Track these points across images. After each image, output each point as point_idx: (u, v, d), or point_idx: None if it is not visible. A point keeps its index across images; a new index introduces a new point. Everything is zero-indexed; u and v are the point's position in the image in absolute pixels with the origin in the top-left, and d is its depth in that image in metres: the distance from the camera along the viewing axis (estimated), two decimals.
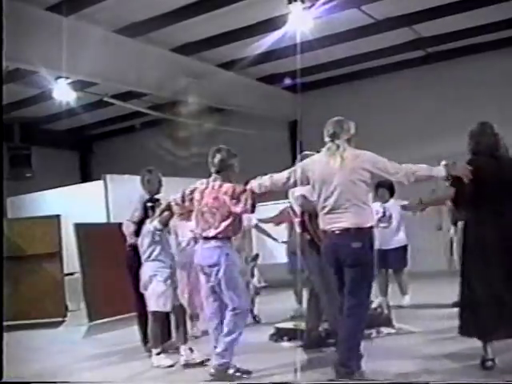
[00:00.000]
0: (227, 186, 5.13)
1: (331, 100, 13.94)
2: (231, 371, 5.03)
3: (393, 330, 6.42)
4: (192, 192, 5.34)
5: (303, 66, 11.44)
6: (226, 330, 5.04)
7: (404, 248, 8.23)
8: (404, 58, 13.04)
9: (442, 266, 8.60)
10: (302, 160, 6.11)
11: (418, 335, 6.41)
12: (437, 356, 5.29)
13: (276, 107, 14.14)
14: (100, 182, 11.28)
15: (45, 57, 9.04)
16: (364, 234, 4.55)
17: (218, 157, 5.24)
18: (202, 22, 10.15)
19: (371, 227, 4.62)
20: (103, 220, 10.91)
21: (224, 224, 5.09)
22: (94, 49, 9.67)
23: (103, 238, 9.52)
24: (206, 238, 5.16)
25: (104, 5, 9.26)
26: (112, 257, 8.80)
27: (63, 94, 12.17)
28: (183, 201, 5.42)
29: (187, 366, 5.75)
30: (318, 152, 4.94)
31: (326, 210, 4.65)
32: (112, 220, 10.71)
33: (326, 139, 4.76)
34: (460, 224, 8.02)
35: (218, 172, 5.24)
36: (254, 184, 5.01)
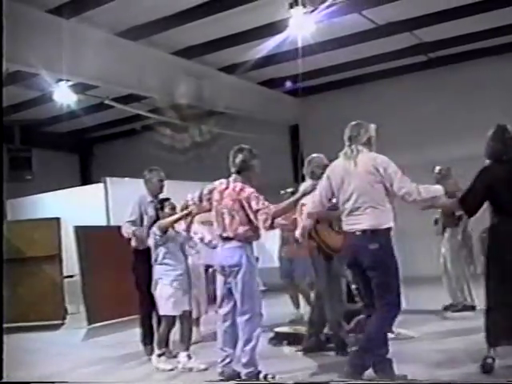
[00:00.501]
0: (249, 192, 5.01)
1: (332, 104, 13.97)
2: (261, 376, 5.00)
3: (392, 335, 6.39)
4: (211, 192, 5.26)
5: (304, 71, 11.47)
6: (243, 339, 4.99)
7: None
8: (405, 62, 13.05)
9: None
10: (310, 163, 6.16)
11: (418, 340, 6.40)
12: (438, 358, 5.29)
13: (277, 111, 14.14)
14: (100, 185, 11.28)
15: (46, 59, 9.04)
16: (381, 236, 4.57)
17: (239, 157, 5.15)
18: (204, 26, 10.15)
19: (389, 228, 4.62)
20: (103, 223, 10.91)
21: (243, 228, 5.01)
22: (95, 51, 9.69)
23: (103, 240, 9.51)
24: (227, 239, 5.10)
25: (105, 8, 9.26)
26: (112, 260, 8.83)
27: (64, 96, 12.19)
28: (200, 200, 5.36)
29: (184, 373, 5.72)
30: (333, 160, 5.00)
31: (346, 212, 4.71)
32: (112, 223, 10.70)
33: (346, 143, 4.81)
34: (448, 230, 8.09)
35: (238, 172, 5.15)
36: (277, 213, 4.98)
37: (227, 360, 5.12)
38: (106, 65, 10.07)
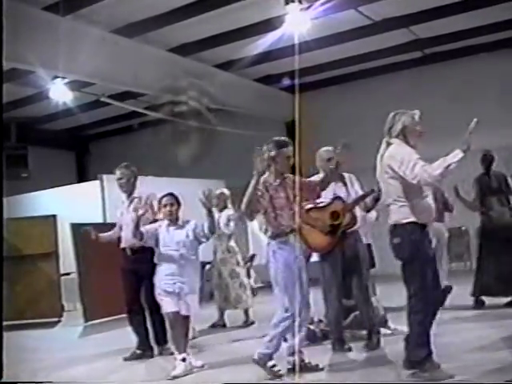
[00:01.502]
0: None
1: (328, 100, 13.97)
2: (270, 363, 5.00)
3: (389, 331, 6.39)
4: None
5: (301, 67, 11.47)
6: (273, 321, 5.06)
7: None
8: (401, 59, 13.06)
9: None
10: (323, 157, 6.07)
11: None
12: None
13: (273, 108, 14.13)
14: (96, 182, 11.26)
15: (42, 56, 9.01)
16: (403, 230, 4.57)
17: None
18: (200, 23, 10.15)
19: (411, 222, 4.57)
20: (99, 220, 10.89)
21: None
22: (91, 49, 9.66)
23: None
24: None
25: (101, 5, 9.25)
26: (108, 257, 8.79)
27: (60, 93, 12.16)
28: None
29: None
30: None
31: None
32: (108, 220, 10.69)
33: None
34: None
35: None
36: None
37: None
38: (101, 62, 10.04)
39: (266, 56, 11.71)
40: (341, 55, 12.66)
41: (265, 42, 10.59)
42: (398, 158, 4.53)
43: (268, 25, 10.28)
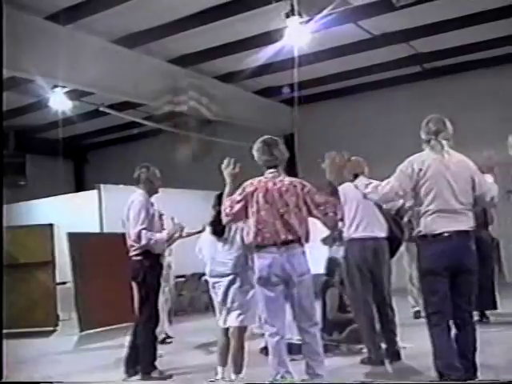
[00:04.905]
0: None
1: (327, 114, 14.00)
2: None
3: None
4: None
5: (300, 80, 11.50)
6: None
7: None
8: (400, 73, 13.09)
9: None
10: None
11: (409, 349, 6.36)
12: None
13: (272, 120, 14.15)
14: (94, 192, 11.27)
15: (42, 65, 9.03)
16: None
17: None
18: (200, 34, 10.18)
19: None
20: (96, 230, 10.89)
21: None
22: (91, 58, 9.70)
23: (96, 247, 9.50)
24: None
25: (102, 15, 9.28)
26: (104, 266, 8.80)
27: (59, 102, 12.15)
28: None
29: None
30: None
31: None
32: (105, 230, 10.69)
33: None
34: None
35: None
36: None
37: None
38: (101, 72, 10.05)
39: (266, 68, 11.74)
40: (340, 69, 12.69)
41: (265, 54, 10.62)
42: None
43: (268, 37, 10.30)
